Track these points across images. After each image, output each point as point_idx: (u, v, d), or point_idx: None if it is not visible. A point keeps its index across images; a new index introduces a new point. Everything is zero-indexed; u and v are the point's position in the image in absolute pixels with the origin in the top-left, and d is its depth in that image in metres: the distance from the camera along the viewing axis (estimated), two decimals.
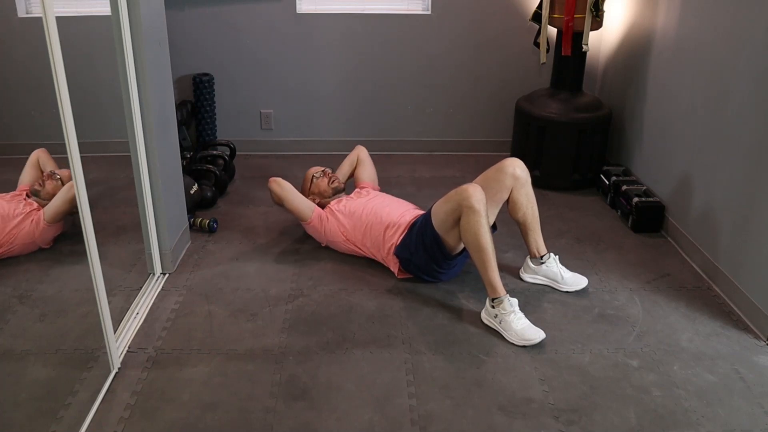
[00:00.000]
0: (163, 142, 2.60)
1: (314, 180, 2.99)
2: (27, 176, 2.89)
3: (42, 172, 2.90)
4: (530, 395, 2.04)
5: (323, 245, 2.90)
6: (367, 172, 3.12)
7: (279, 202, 2.84)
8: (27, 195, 2.80)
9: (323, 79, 3.96)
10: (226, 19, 3.78)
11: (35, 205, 2.73)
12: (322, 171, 3.01)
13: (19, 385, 2.06)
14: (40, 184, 2.80)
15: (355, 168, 3.15)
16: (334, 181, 2.98)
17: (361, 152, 3.17)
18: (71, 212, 2.72)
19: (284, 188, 2.81)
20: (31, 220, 2.66)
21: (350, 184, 3.14)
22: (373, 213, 2.73)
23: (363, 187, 3.03)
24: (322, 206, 2.91)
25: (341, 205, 2.85)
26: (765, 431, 1.91)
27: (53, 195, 2.74)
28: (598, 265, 2.80)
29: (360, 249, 2.77)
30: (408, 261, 2.60)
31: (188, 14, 3.76)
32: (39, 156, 2.93)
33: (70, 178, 2.83)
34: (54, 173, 2.83)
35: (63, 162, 1.94)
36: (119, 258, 2.79)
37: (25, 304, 2.43)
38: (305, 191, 3.01)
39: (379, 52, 3.91)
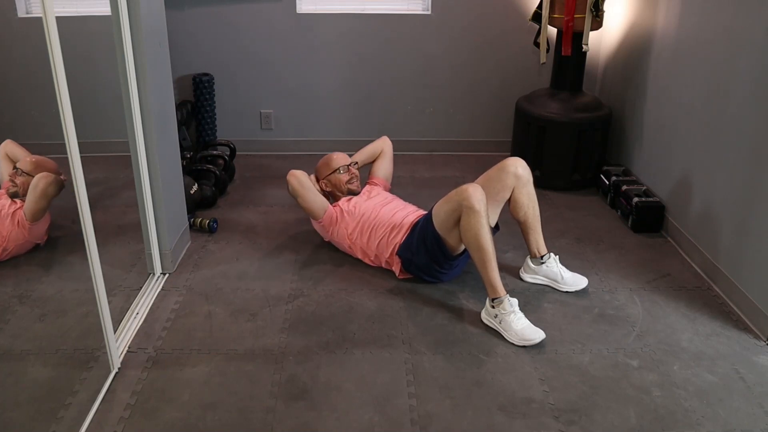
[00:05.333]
0: (163, 142, 2.60)
1: (336, 173, 2.92)
2: (3, 172, 2.85)
3: (14, 163, 2.85)
4: (530, 395, 2.04)
5: (326, 240, 2.89)
6: (384, 168, 3.08)
7: (294, 195, 2.78)
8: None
9: (323, 79, 3.96)
10: (226, 19, 3.78)
11: (19, 203, 2.72)
12: (348, 167, 2.93)
13: (19, 385, 2.05)
14: (12, 183, 2.76)
15: (376, 159, 3.10)
16: (353, 182, 2.93)
17: (386, 146, 3.11)
18: (50, 203, 2.69)
19: (303, 185, 2.74)
20: (17, 222, 2.65)
21: (364, 170, 3.08)
22: (380, 217, 2.72)
23: (375, 185, 3.00)
24: (331, 197, 2.89)
25: (351, 205, 2.81)
26: (765, 431, 1.91)
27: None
28: (598, 265, 2.80)
29: (363, 254, 2.75)
30: (409, 261, 2.60)
31: (188, 14, 3.76)
32: (6, 149, 2.87)
33: (35, 167, 2.76)
34: (17, 169, 2.78)
35: (63, 162, 1.93)
36: (119, 258, 2.79)
37: (25, 304, 2.43)
38: (321, 175, 2.95)
39: (379, 52, 3.91)
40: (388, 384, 2.09)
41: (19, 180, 2.76)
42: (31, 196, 2.66)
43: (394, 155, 3.16)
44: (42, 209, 2.68)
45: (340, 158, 2.96)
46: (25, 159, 2.82)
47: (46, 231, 2.77)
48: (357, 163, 3.01)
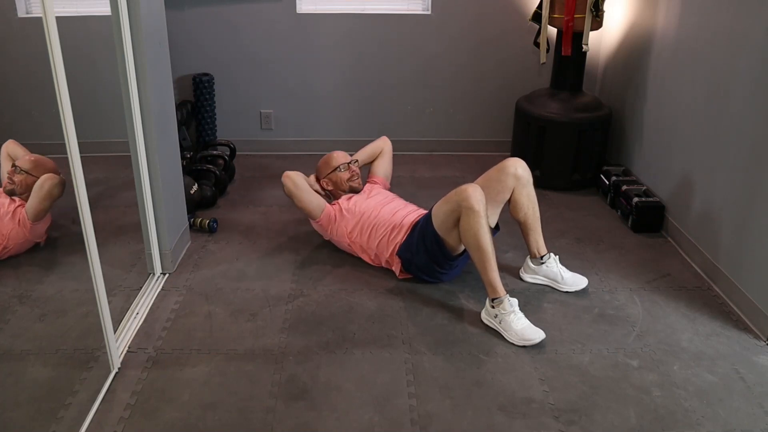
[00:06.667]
0: (163, 142, 2.60)
1: (337, 171, 2.90)
2: (3, 172, 2.85)
3: (13, 162, 2.84)
4: (530, 395, 2.04)
5: (326, 239, 2.89)
6: (384, 167, 3.09)
7: (289, 197, 2.79)
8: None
9: (323, 79, 3.96)
10: (226, 19, 3.78)
11: (18, 201, 2.71)
12: (348, 164, 2.93)
13: (19, 385, 2.06)
14: (10, 181, 2.75)
15: (376, 159, 3.11)
16: (355, 179, 2.91)
17: (386, 145, 3.12)
18: (53, 205, 2.70)
19: (298, 186, 2.74)
20: (18, 220, 2.64)
21: (364, 170, 3.07)
22: (381, 216, 2.72)
23: (375, 183, 3.00)
24: (332, 196, 2.89)
25: (351, 203, 2.81)
26: (765, 431, 1.91)
27: (28, 187, 2.71)
28: (598, 265, 2.80)
29: (363, 252, 2.75)
30: (409, 262, 2.60)
31: (188, 14, 3.76)
32: (8, 149, 2.87)
33: (33, 166, 2.75)
34: (15, 167, 2.76)
35: (63, 162, 1.94)
36: (119, 258, 2.79)
37: (25, 304, 2.43)
38: (322, 174, 2.95)
39: (379, 52, 3.91)
40: (388, 384, 2.09)
41: (17, 178, 2.74)
42: (35, 196, 2.66)
43: (394, 155, 3.17)
44: (45, 209, 2.69)
45: (340, 156, 2.96)
46: (24, 157, 2.82)
47: (47, 230, 2.78)
48: (357, 161, 3.01)
